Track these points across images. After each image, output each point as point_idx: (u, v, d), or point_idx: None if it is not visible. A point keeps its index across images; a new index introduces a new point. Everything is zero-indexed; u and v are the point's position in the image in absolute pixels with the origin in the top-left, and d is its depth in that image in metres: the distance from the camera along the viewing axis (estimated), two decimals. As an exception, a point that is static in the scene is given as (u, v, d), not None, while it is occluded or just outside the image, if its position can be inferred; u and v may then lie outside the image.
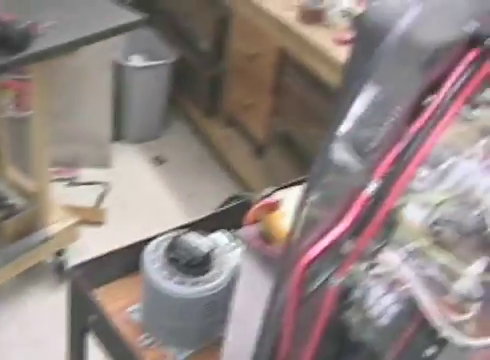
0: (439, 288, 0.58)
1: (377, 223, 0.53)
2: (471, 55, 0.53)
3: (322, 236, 0.52)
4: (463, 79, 0.53)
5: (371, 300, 0.60)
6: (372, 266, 0.59)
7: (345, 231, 0.52)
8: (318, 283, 0.56)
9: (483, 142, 0.61)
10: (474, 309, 0.58)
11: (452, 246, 0.60)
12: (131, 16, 1.89)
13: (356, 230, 0.54)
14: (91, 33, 1.78)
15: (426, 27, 0.51)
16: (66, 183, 2.83)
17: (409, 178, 0.52)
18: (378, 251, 0.58)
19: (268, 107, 2.57)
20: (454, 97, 0.53)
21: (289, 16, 2.23)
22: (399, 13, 0.52)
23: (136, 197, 2.83)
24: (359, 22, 0.55)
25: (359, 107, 0.55)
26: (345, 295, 0.61)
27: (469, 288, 0.58)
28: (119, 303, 1.16)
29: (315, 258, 0.52)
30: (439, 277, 0.59)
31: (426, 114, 0.52)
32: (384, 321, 0.60)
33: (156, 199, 2.85)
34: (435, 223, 0.60)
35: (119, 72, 2.93)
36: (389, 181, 0.52)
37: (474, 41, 0.53)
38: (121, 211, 2.71)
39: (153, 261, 1.07)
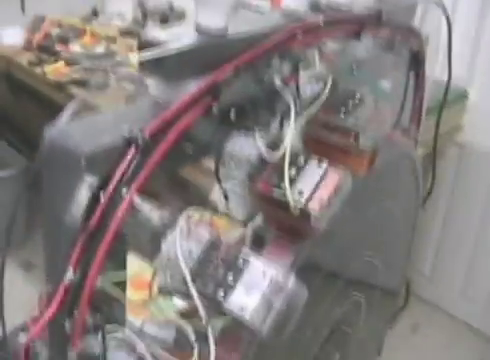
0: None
1: (84, 302, 0.64)
2: (130, 152, 0.66)
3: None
4: (130, 172, 0.66)
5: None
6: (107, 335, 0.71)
7: (55, 313, 0.63)
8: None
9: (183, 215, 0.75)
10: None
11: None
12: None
13: (69, 311, 0.65)
14: None
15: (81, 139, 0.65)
16: None
17: (100, 265, 0.64)
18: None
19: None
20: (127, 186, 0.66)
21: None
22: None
23: (11, 306, 2.81)
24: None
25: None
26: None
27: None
28: None
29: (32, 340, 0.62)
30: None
31: (102, 205, 0.64)
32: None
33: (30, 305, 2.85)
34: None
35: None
36: (83, 268, 0.64)
37: (130, 140, 0.66)
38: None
39: None
